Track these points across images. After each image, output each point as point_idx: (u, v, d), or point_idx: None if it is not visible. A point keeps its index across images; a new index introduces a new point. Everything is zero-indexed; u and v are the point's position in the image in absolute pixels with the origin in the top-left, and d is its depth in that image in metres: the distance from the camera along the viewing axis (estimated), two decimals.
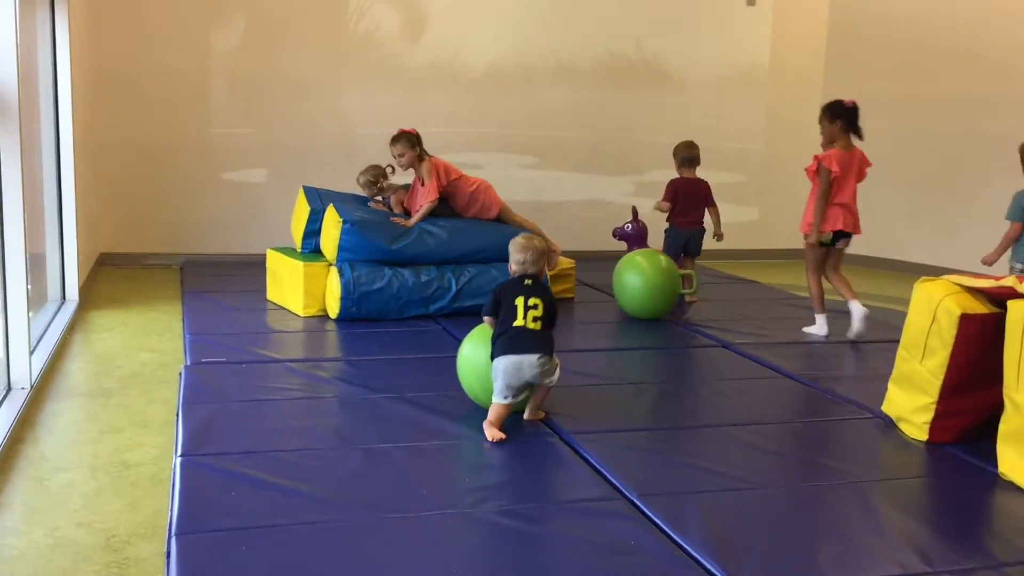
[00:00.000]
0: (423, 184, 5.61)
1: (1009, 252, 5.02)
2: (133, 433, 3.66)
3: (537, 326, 3.49)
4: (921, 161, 8.00)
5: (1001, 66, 7.44)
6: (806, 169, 5.18)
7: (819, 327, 5.21)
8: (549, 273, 5.72)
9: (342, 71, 7.63)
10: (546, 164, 8.14)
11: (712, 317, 5.55)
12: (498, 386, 3.46)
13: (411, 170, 5.67)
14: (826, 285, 5.28)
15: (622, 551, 2.56)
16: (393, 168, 5.89)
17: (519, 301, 3.51)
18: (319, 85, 7.58)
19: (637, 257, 5.56)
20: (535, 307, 3.50)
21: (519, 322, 3.48)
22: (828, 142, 5.18)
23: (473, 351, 3.67)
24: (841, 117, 5.10)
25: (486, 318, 3.64)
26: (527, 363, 3.43)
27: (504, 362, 3.44)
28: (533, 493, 2.98)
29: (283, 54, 7.48)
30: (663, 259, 5.55)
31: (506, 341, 3.48)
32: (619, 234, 6.33)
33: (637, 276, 5.44)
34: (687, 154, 6.03)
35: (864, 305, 5.16)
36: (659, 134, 8.39)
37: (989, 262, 5.04)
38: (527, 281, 3.59)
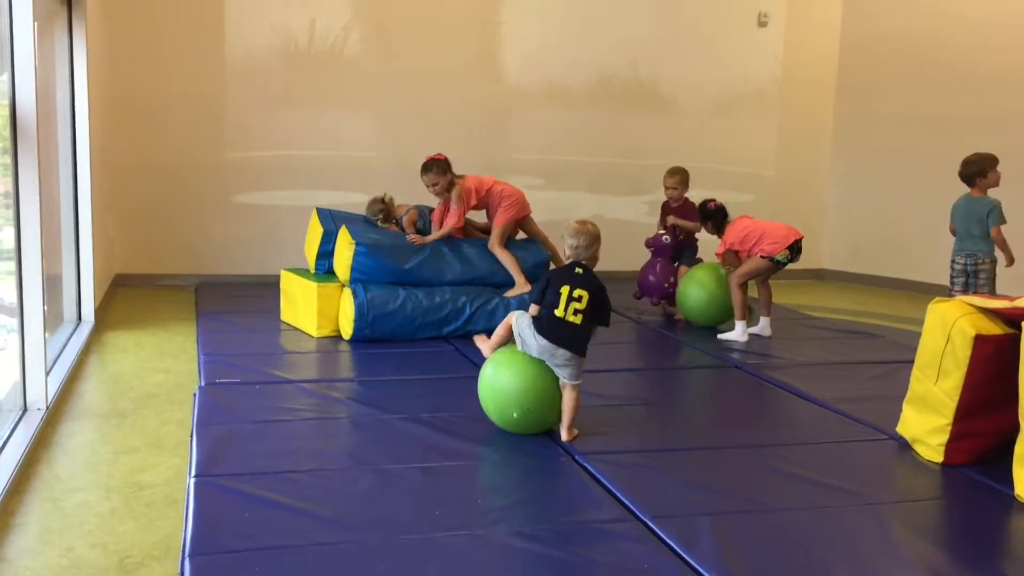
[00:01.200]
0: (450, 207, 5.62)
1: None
2: (147, 454, 3.67)
3: (577, 319, 3.50)
4: (934, 181, 7.97)
5: (1013, 85, 7.44)
6: (717, 254, 5.80)
7: (741, 333, 5.56)
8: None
9: (356, 94, 7.68)
10: (559, 185, 8.16)
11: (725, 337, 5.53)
12: (521, 341, 3.59)
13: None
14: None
15: (635, 573, 2.55)
16: (392, 198, 5.95)
17: (564, 289, 3.52)
18: (332, 108, 7.63)
19: (699, 272, 5.87)
20: (579, 299, 3.50)
21: (560, 312, 3.50)
22: (713, 232, 5.85)
23: (495, 373, 3.67)
24: (710, 219, 5.80)
25: (532, 306, 3.63)
26: (560, 354, 3.51)
27: (542, 342, 3.51)
28: (546, 514, 2.97)
29: (297, 77, 7.55)
30: (722, 271, 5.80)
31: (546, 325, 3.50)
32: (652, 243, 6.20)
33: (700, 289, 5.80)
34: None
35: (879, 326, 5.21)
36: (670, 155, 8.38)
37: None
38: (578, 269, 3.59)
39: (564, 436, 3.59)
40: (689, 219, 6.09)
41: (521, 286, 5.48)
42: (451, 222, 5.54)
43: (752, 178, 8.18)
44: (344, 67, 7.64)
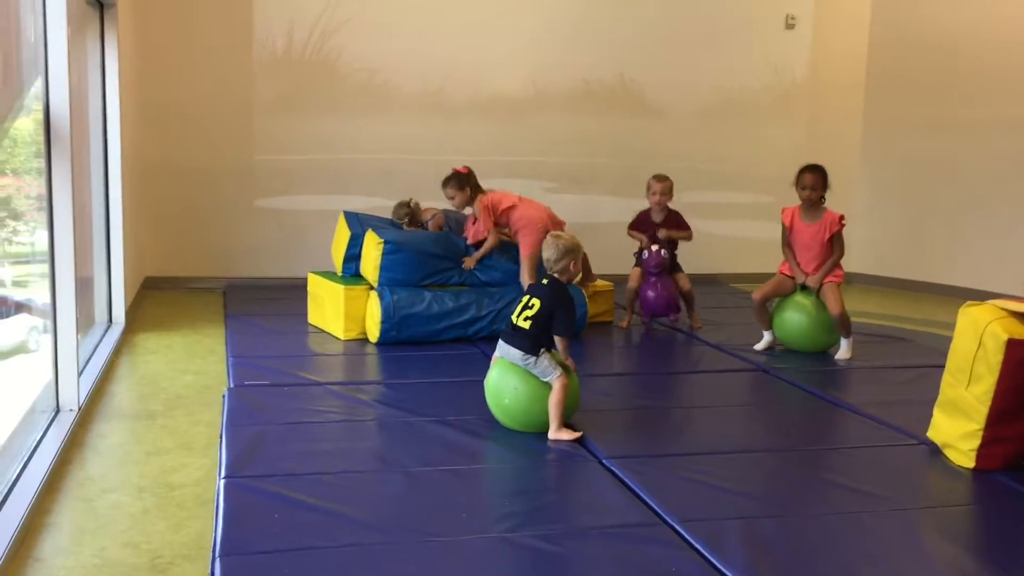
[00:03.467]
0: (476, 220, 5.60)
1: None
2: (178, 454, 3.71)
3: (526, 324, 3.68)
4: (964, 184, 7.90)
5: None
6: (836, 230, 5.21)
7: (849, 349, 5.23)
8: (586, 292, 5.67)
9: (383, 98, 7.71)
10: (583, 188, 8.15)
11: (750, 341, 5.50)
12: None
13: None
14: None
15: None
16: (418, 203, 5.97)
17: (524, 299, 3.77)
18: (360, 111, 7.67)
19: (797, 296, 5.28)
20: (531, 306, 3.71)
21: (514, 317, 3.75)
22: (819, 200, 5.26)
23: (500, 376, 3.77)
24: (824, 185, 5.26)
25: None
26: (514, 354, 3.70)
27: (500, 347, 3.77)
28: (573, 518, 2.97)
29: (325, 80, 7.59)
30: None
31: (504, 330, 3.79)
32: (654, 263, 5.71)
33: (800, 313, 5.26)
34: None
35: (909, 330, 5.10)
36: (697, 157, 8.38)
37: None
38: (544, 280, 3.79)
39: (551, 434, 3.65)
40: (681, 228, 5.82)
41: None
42: (480, 237, 5.53)
43: (779, 180, 8.12)
44: (371, 71, 7.67)
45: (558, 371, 3.66)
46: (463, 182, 5.45)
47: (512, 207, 5.50)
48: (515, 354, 3.68)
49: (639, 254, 5.87)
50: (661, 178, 5.86)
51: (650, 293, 5.80)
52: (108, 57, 5.80)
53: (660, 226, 5.82)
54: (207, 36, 7.38)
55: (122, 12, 5.94)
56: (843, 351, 5.21)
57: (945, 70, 7.99)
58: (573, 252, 3.75)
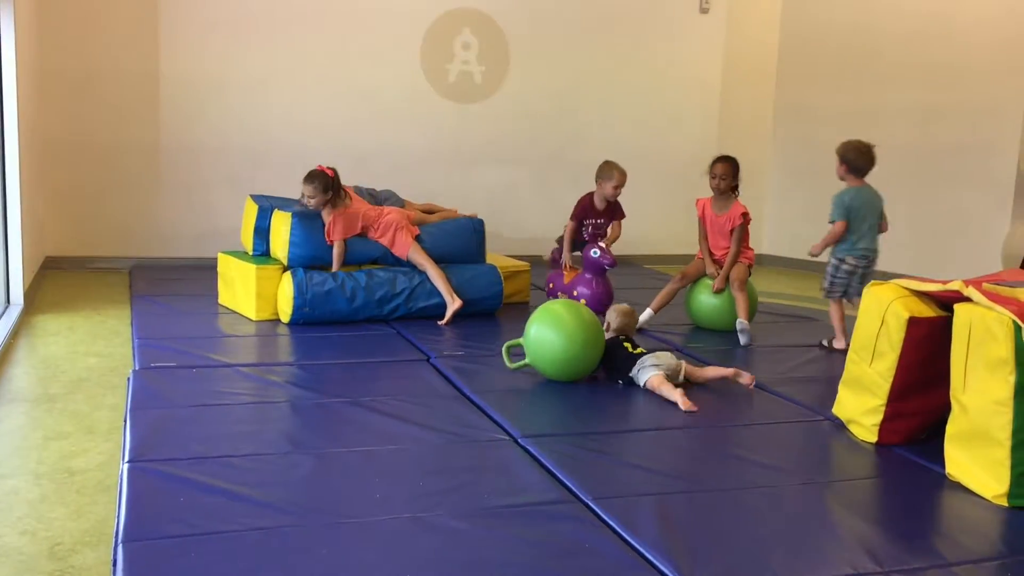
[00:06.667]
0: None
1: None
2: (79, 439, 3.58)
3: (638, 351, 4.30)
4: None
5: (947, 77, 7.59)
6: (738, 224, 5.40)
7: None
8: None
9: (295, 77, 7.55)
10: (503, 170, 8.14)
11: (665, 321, 5.57)
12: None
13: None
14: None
15: (577, 554, 2.55)
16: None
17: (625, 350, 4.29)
18: (271, 89, 7.50)
19: (708, 279, 5.49)
20: (635, 348, 4.35)
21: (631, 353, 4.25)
22: (730, 190, 5.49)
23: (539, 331, 4.14)
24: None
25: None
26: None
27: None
28: (488, 498, 2.96)
29: (236, 56, 7.39)
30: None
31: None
32: (610, 261, 5.52)
33: (710, 295, 5.46)
34: None
35: (816, 309, 5.24)
36: (614, 142, 8.43)
37: (814, 253, 5.28)
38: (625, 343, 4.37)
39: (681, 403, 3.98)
40: (618, 216, 6.06)
41: (451, 304, 5.32)
42: (336, 250, 5.35)
43: (693, 163, 8.24)
44: (284, 48, 7.50)
45: (648, 373, 4.16)
46: (327, 185, 5.28)
47: (379, 215, 5.48)
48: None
49: (584, 252, 5.64)
50: (623, 171, 5.89)
51: (587, 292, 5.58)
52: (3, 22, 5.53)
53: (603, 215, 5.93)
54: (111, 2, 7.10)
55: None
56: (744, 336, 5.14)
57: (853, 60, 8.20)
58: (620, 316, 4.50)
